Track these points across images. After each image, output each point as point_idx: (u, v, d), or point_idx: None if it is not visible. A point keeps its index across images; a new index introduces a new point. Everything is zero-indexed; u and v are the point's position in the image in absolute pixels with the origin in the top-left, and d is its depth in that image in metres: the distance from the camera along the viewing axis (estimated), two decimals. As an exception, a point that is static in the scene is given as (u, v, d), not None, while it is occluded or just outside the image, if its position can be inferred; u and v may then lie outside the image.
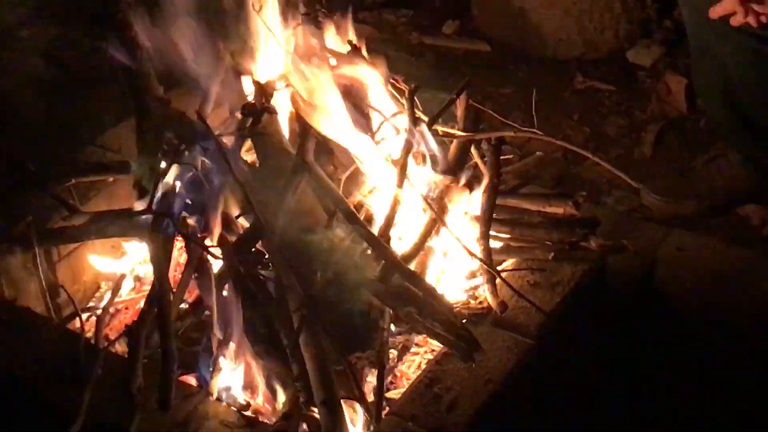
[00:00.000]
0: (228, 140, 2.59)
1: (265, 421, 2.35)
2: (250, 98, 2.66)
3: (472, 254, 2.50)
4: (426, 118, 2.70)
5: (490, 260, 2.53)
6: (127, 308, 2.69)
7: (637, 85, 3.56)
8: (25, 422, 2.39)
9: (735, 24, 2.61)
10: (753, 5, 2.57)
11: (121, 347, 2.46)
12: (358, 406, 2.33)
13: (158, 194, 2.55)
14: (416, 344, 2.55)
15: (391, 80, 2.73)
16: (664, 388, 2.66)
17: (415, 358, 2.54)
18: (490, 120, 2.93)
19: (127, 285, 2.77)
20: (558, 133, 3.18)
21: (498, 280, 2.51)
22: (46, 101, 3.16)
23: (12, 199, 2.67)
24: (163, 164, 2.58)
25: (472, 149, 2.77)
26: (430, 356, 2.51)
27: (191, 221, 2.56)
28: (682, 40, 3.18)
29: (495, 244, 2.61)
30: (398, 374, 2.51)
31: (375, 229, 2.49)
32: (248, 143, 2.65)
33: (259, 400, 2.44)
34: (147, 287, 2.66)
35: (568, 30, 3.67)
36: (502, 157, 2.75)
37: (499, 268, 2.56)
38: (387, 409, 2.32)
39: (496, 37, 3.78)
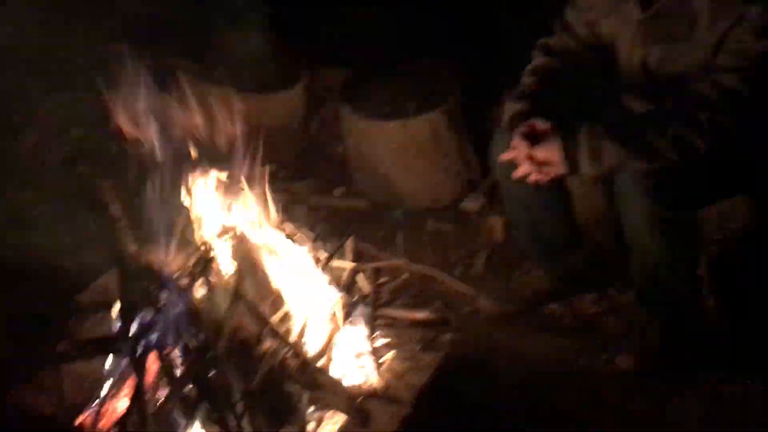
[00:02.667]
0: (185, 280, 2.57)
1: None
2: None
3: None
4: (325, 255, 2.74)
5: (376, 353, 2.57)
6: (114, 408, 2.58)
7: (470, 225, 3.60)
8: None
9: (531, 181, 2.68)
10: (542, 167, 2.65)
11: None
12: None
13: (135, 323, 2.51)
14: (326, 418, 2.49)
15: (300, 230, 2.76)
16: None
17: (327, 428, 2.48)
18: (369, 254, 2.96)
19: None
20: (416, 262, 3.20)
21: (382, 367, 2.55)
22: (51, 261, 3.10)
23: (31, 333, 2.61)
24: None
25: (359, 275, 2.81)
26: (336, 426, 2.46)
27: (160, 340, 2.48)
28: (497, 191, 3.24)
29: (379, 342, 2.65)
30: (315, 440, 2.48)
31: (293, 338, 2.50)
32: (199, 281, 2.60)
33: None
34: (126, 391, 2.59)
35: (419, 188, 3.71)
36: (379, 280, 2.79)
37: (383, 358, 2.59)
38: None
39: (370, 196, 3.80)
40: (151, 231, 2.59)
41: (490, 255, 3.44)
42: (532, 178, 2.70)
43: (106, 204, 2.74)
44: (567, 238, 3.05)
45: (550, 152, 2.63)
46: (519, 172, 2.72)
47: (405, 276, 3.08)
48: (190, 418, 2.38)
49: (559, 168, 2.63)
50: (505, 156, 2.75)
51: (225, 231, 2.66)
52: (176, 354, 2.47)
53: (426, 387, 2.52)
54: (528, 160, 2.67)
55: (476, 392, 2.73)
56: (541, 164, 2.66)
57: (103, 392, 2.56)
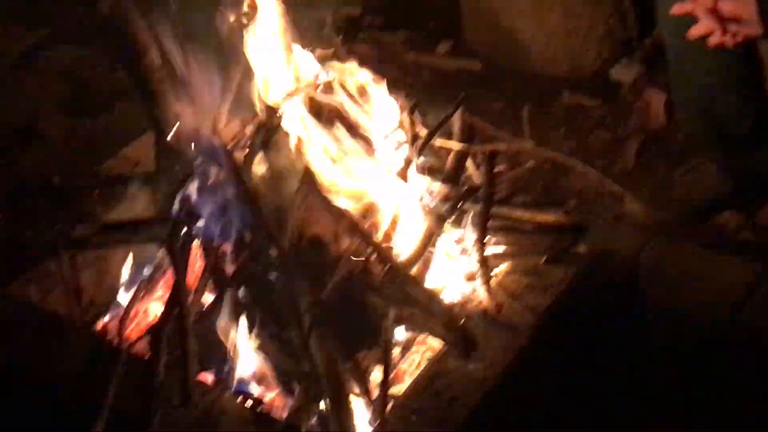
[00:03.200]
0: (240, 154, 2.61)
1: (277, 415, 2.38)
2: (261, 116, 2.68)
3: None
4: (425, 132, 2.74)
5: (486, 264, 2.58)
6: (146, 311, 2.70)
7: (620, 101, 3.58)
8: (50, 421, 2.40)
9: (712, 44, 2.62)
10: (730, 25, 2.59)
11: (140, 347, 2.47)
12: (363, 401, 2.36)
13: (176, 204, 2.57)
14: (417, 343, 2.56)
15: (393, 97, 2.75)
16: (647, 386, 2.68)
17: (416, 357, 2.55)
18: (483, 133, 2.95)
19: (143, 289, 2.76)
20: (546, 146, 3.19)
21: (493, 283, 2.56)
22: (68, 118, 3.16)
23: (39, 210, 2.68)
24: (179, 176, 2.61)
25: (468, 160, 2.81)
26: (429, 354, 2.53)
27: (207, 228, 2.56)
28: (661, 58, 3.19)
29: (491, 249, 2.65)
30: (400, 371, 2.52)
31: (378, 237, 2.52)
32: (259, 156, 2.64)
33: (272, 395, 2.46)
34: (161, 292, 2.71)
35: (555, 49, 3.69)
36: (495, 168, 2.79)
37: (495, 271, 2.61)
38: (391, 403, 2.34)
39: (487, 55, 3.80)
40: (199, 86, 2.62)
41: (646, 143, 3.41)
42: (714, 40, 2.64)
43: (141, 48, 2.76)
44: (753, 126, 3.00)
45: (743, 4, 2.56)
46: (696, 31, 2.65)
47: (530, 164, 3.06)
48: (241, 331, 2.44)
49: (753, 27, 2.57)
50: (678, 8, 2.69)
51: (295, 92, 2.67)
52: (227, 248, 2.52)
53: (550, 311, 2.52)
54: (710, 14, 2.61)
55: (614, 323, 2.73)
56: (728, 21, 2.60)
57: (132, 291, 2.67)
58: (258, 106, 2.67)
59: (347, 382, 2.35)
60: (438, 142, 2.81)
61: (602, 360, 2.66)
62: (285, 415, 2.35)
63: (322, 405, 2.29)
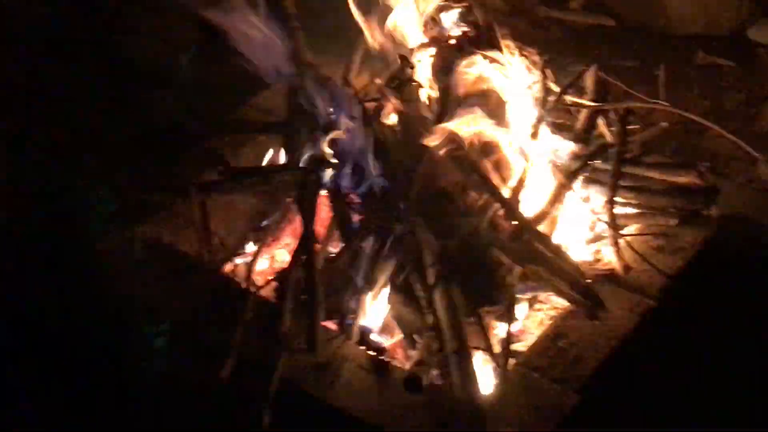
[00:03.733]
0: (371, 104, 2.62)
1: (399, 365, 2.39)
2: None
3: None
4: (556, 89, 2.71)
5: (615, 224, 2.55)
6: (273, 257, 2.74)
7: (757, 62, 3.49)
8: (179, 360, 2.45)
9: None
10: None
11: (267, 292, 2.51)
12: (486, 356, 2.36)
13: (306, 153, 2.60)
14: (541, 301, 2.56)
15: (524, 53, 2.73)
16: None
17: (540, 314, 2.54)
18: (615, 91, 2.91)
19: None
20: (680, 106, 3.12)
21: (622, 243, 2.53)
22: (200, 64, 3.18)
23: (172, 155, 2.72)
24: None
25: (600, 119, 2.78)
26: (553, 313, 2.52)
27: (336, 178, 2.58)
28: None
29: (620, 210, 2.63)
30: (524, 328, 2.52)
31: (507, 192, 2.51)
32: (390, 107, 2.64)
33: (395, 346, 2.48)
34: (288, 240, 2.75)
35: (691, 7, 3.62)
36: (627, 127, 2.75)
37: (624, 231, 2.58)
38: (513, 360, 2.34)
39: (621, 11, 3.75)
40: (332, 35, 2.62)
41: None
42: None
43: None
44: None
45: None
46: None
47: (663, 124, 2.99)
48: (367, 281, 2.46)
49: None
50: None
51: (428, 44, 2.66)
52: (355, 198, 2.55)
53: (680, 275, 2.49)
54: None
55: (745, 289, 2.66)
56: None
57: (261, 236, 2.71)
58: (390, 57, 2.67)
59: (470, 337, 2.35)
60: (570, 99, 2.77)
61: (731, 327, 2.62)
62: (407, 365, 2.37)
63: (444, 358, 2.30)
